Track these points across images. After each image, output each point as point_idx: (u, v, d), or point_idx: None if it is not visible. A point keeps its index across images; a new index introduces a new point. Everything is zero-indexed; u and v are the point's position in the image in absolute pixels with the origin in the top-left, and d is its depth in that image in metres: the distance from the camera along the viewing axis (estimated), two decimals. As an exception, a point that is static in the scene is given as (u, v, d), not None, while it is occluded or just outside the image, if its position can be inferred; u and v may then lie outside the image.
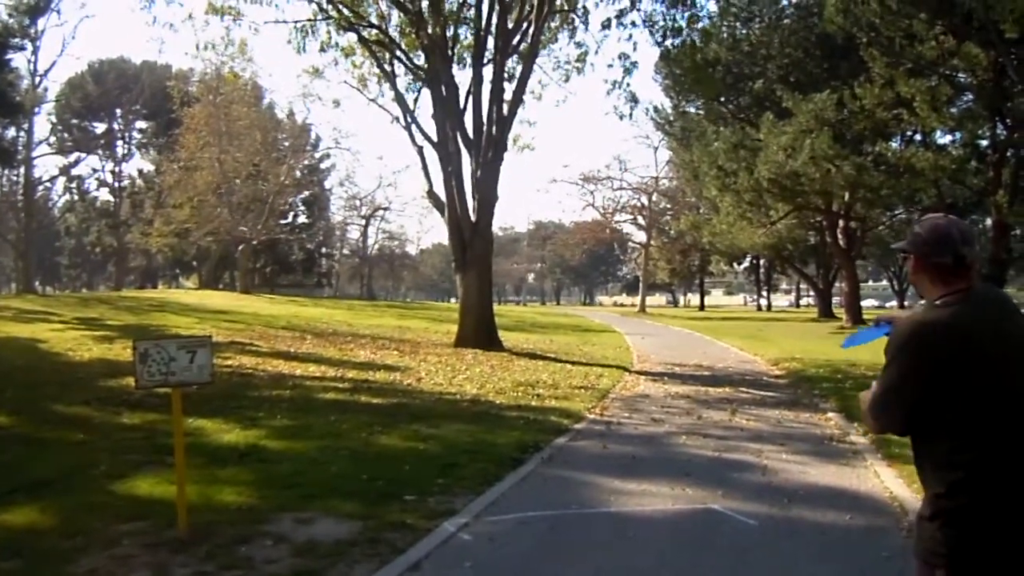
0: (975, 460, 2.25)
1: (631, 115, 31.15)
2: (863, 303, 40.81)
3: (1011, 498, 2.21)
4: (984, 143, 29.87)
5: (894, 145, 32.05)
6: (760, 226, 37.84)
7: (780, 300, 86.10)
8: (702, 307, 67.76)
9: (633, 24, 21.64)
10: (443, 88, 20.14)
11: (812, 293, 61.86)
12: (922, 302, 2.47)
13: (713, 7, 23.80)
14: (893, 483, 6.97)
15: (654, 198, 58.96)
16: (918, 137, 32.18)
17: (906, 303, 74.11)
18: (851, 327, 33.77)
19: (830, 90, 28.73)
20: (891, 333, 2.44)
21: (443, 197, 20.47)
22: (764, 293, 69.33)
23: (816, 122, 28.46)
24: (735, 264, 62.74)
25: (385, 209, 65.01)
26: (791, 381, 15.15)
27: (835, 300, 48.75)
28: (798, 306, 75.70)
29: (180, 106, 41.02)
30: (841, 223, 37.40)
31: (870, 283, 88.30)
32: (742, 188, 32.93)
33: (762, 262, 61.84)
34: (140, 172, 61.59)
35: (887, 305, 75.74)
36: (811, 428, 9.91)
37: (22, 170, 44.74)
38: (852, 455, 8.24)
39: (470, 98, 20.45)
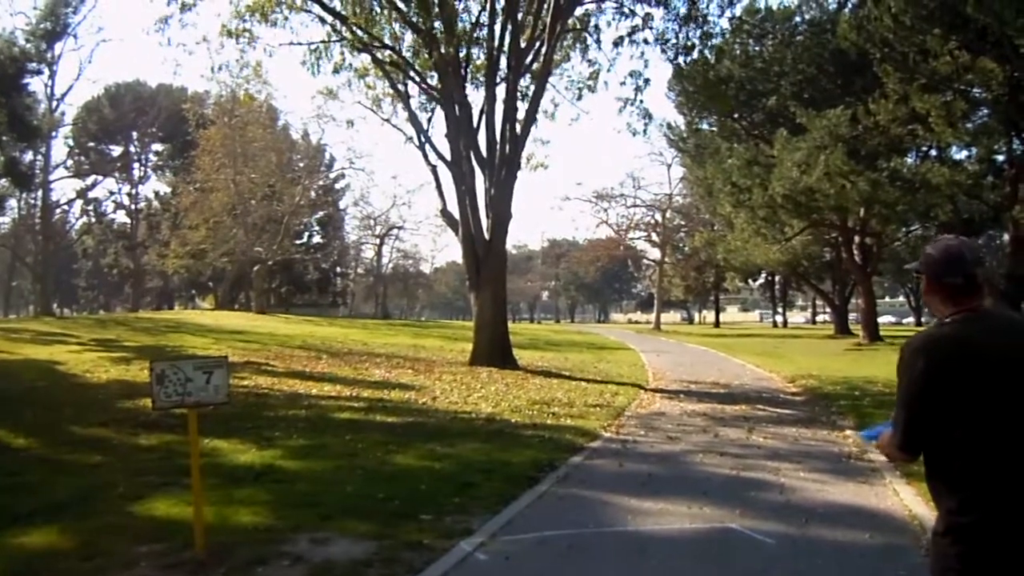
0: (985, 477, 2.27)
1: (644, 132, 31.40)
2: (880, 319, 40.55)
3: (1021, 514, 2.23)
4: (1000, 158, 29.72)
5: (909, 161, 31.92)
6: (775, 242, 37.72)
7: (796, 316, 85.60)
8: (717, 324, 67.46)
9: (645, 42, 21.78)
10: (456, 108, 20.27)
11: (828, 309, 61.52)
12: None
13: (725, 24, 23.89)
14: (912, 501, 6.91)
15: (668, 215, 58.94)
16: (933, 152, 32.05)
17: (923, 319, 73.62)
18: (868, 344, 33.54)
19: (844, 106, 28.69)
20: (902, 348, 2.47)
21: (457, 216, 20.56)
22: (780, 310, 68.99)
23: (830, 138, 28.41)
24: (750, 281, 62.56)
25: (399, 228, 65.28)
26: (808, 398, 15.05)
27: (851, 316, 48.46)
28: (814, 322, 75.24)
29: (196, 128, 41.46)
30: (856, 239, 37.23)
31: (887, 299, 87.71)
32: (756, 204, 32.87)
33: (777, 278, 61.59)
34: (156, 194, 62.20)
35: (904, 321, 75.27)
36: (829, 446, 9.84)
37: (40, 193, 45.27)
38: (870, 473, 8.17)
39: (483, 117, 20.57)
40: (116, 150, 61.81)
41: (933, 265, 2.49)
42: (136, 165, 62.65)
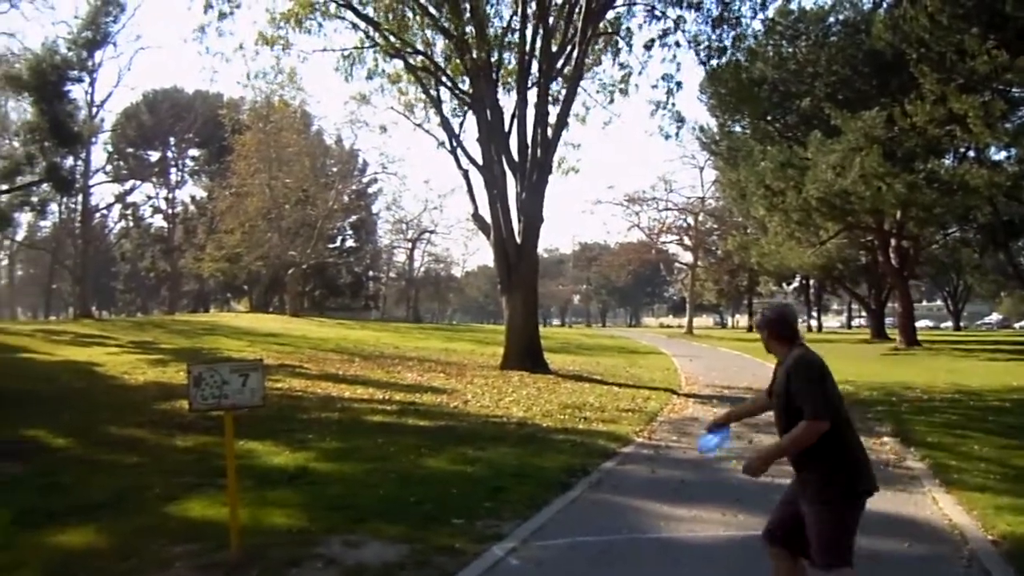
0: (851, 437, 3.93)
1: (677, 135, 31.13)
2: (917, 323, 39.90)
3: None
4: (1041, 158, 29.12)
5: (947, 162, 31.40)
6: (809, 246, 37.29)
7: (831, 321, 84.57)
8: (750, 328, 66.68)
9: (677, 44, 21.75)
10: (488, 112, 20.31)
11: (864, 314, 60.68)
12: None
13: (758, 26, 23.68)
14: (952, 510, 6.77)
15: (700, 218, 58.53)
16: (972, 154, 31.50)
17: (962, 324, 72.35)
18: (905, 348, 33.02)
19: (879, 107, 28.28)
20: (804, 371, 3.97)
21: (488, 219, 20.59)
22: (814, 314, 68.16)
23: (865, 140, 28.01)
24: (784, 284, 61.86)
25: (431, 232, 65.59)
26: (845, 404, 14.82)
27: (888, 321, 47.75)
28: (850, 327, 74.25)
29: (231, 134, 41.93)
30: (893, 242, 36.69)
31: (924, 303, 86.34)
32: (790, 207, 32.50)
33: (812, 282, 60.86)
34: (193, 199, 63.11)
35: (942, 326, 73.99)
36: (865, 452, 9.67)
37: (80, 198, 46.02)
38: (909, 481, 8.02)
39: (515, 121, 20.59)
40: (154, 155, 62.84)
41: (776, 322, 4.20)
42: (173, 170, 63.68)
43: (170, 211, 63.59)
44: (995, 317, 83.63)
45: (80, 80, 26.11)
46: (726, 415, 4.54)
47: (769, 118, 37.30)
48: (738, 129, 40.58)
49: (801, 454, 3.85)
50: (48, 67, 19.53)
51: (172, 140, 61.92)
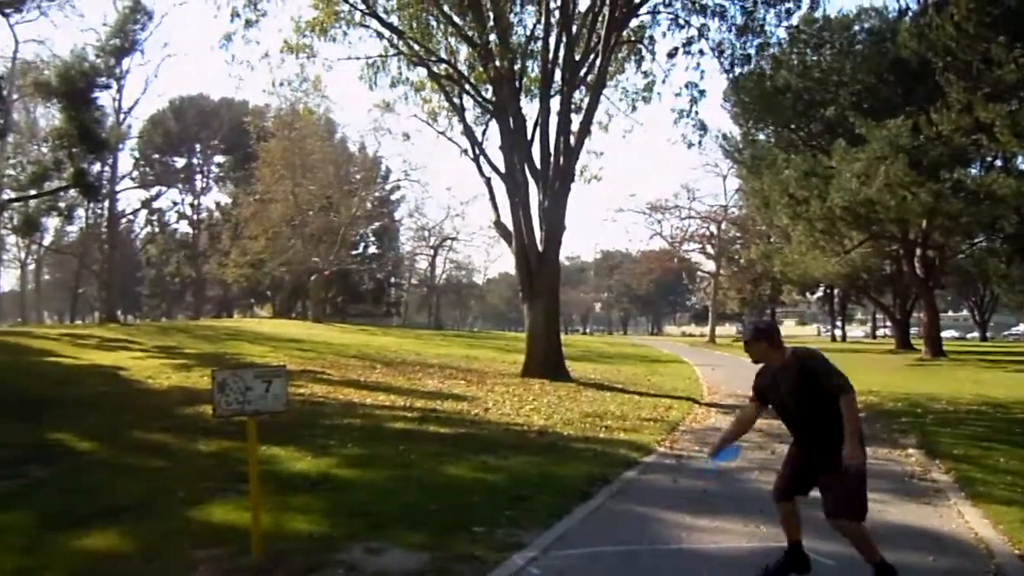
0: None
1: (700, 143, 31.05)
2: (942, 334, 39.43)
3: None
4: (1070, 168, 28.77)
5: (973, 171, 31.08)
6: (833, 255, 37.02)
7: (855, 331, 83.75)
8: (773, 337, 66.18)
9: (701, 53, 21.64)
10: (511, 120, 20.35)
11: (889, 324, 60.06)
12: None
13: (783, 34, 23.55)
14: (978, 523, 6.68)
15: (723, 227, 58.35)
16: (999, 163, 31.15)
17: (988, 334, 71.44)
18: (931, 359, 32.64)
19: (905, 116, 28.06)
20: (820, 360, 4.72)
21: (510, 227, 20.60)
22: (838, 323, 67.58)
23: (891, 149, 27.79)
24: (808, 294, 61.47)
25: (453, 239, 65.70)
26: (868, 415, 14.67)
27: (913, 331, 47.23)
28: (874, 337, 73.52)
29: (256, 141, 42.34)
30: (918, 251, 36.32)
31: (949, 313, 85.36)
32: (814, 216, 32.30)
33: (836, 292, 60.42)
34: (218, 205, 63.68)
35: (968, 336, 73.09)
36: (890, 465, 9.58)
37: (106, 204, 46.53)
38: (934, 494, 7.93)
39: (537, 129, 20.61)
40: (180, 162, 63.56)
41: (774, 332, 4.90)
42: (199, 176, 64.37)
43: (195, 217, 64.24)
44: (1022, 327, 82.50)
45: (108, 87, 26.44)
46: (721, 441, 5.13)
47: (793, 126, 37.12)
48: (762, 137, 40.41)
49: (824, 428, 4.65)
50: (76, 74, 19.77)
51: (198, 147, 62.60)
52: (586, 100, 21.18)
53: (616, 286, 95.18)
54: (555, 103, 20.71)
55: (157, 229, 66.31)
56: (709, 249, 59.46)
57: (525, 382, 18.42)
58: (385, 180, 56.84)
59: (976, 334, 71.37)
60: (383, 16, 20.71)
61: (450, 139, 23.76)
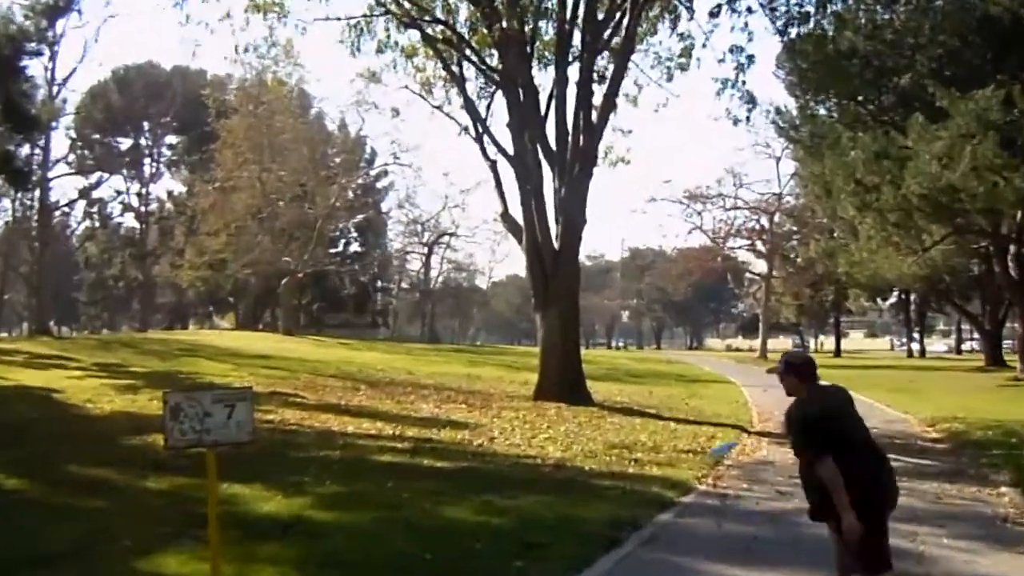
0: None
1: (748, 120, 30.68)
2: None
3: None
4: None
5: (1079, 152, 30.94)
6: (910, 253, 36.87)
7: (936, 344, 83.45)
8: (838, 352, 66.16)
9: (749, 10, 21.61)
10: (520, 92, 20.38)
11: (976, 336, 59.81)
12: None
13: (848, -14, 23.58)
14: (1087, 578, 6.65)
15: (776, 219, 58.20)
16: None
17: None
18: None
19: (995, 86, 27.94)
20: (790, 414, 5.31)
21: (521, 220, 20.64)
22: (916, 336, 67.33)
23: (978, 125, 27.67)
24: (879, 300, 61.38)
25: (451, 235, 65.84)
26: (952, 446, 14.64)
27: (1006, 344, 47.03)
28: (959, 352, 73.23)
29: (216, 118, 42.48)
30: (1012, 248, 36.17)
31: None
32: (886, 207, 32.17)
33: (913, 297, 60.21)
34: (170, 194, 64.00)
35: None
36: (979, 506, 9.54)
37: (36, 193, 46.60)
38: (1033, 541, 7.89)
39: (552, 103, 20.63)
40: (124, 143, 63.72)
41: (802, 365, 5.49)
42: (147, 160, 64.52)
43: (143, 209, 64.40)
44: None
45: (39, 54, 26.47)
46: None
47: (860, 98, 37.00)
48: (823, 112, 40.28)
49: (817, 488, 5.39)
50: (1, 38, 19.89)
51: (146, 125, 62.81)
52: (611, 68, 21.22)
53: (647, 291, 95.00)
54: (573, 72, 20.79)
55: (97, 223, 66.54)
56: (759, 246, 59.30)
57: (538, 406, 18.42)
58: (370, 164, 57.01)
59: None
60: (367, -34, 20.82)
61: (448, 115, 23.87)
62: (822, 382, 5.49)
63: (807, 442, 5.12)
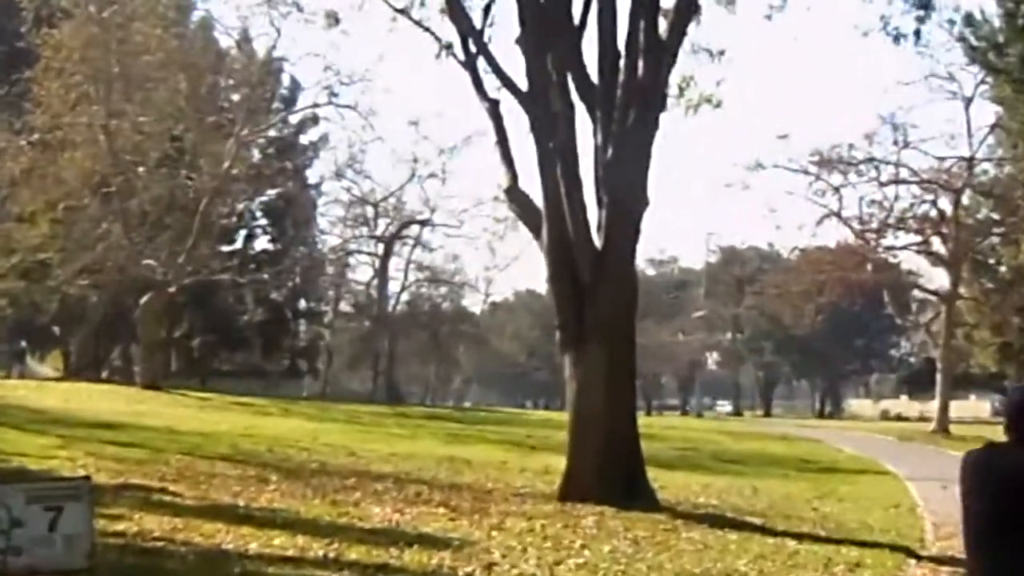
0: None
1: (917, 36, 30.80)
2: None
3: None
4: None
5: None
6: None
7: None
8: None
9: None
10: (540, -12, 20.45)
11: None
12: None
13: None
14: None
15: (966, 200, 58.13)
16: None
17: None
18: None
19: None
20: None
21: (539, 200, 20.62)
22: None
23: None
24: None
25: (423, 224, 65.85)
26: None
27: None
28: None
29: (34, 27, 42.48)
30: None
31: None
32: None
33: None
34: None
35: None
36: None
37: None
38: None
39: (592, 4, 20.66)
40: None
41: None
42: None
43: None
44: None
45: None
46: None
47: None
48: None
49: None
50: None
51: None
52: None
53: (749, 319, 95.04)
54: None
55: None
56: (936, 245, 59.33)
57: (567, 511, 18.39)
58: (289, 106, 57.13)
59: None
60: None
61: (420, 24, 23.93)
62: None
63: None
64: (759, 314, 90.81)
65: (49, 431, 24.42)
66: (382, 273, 70.69)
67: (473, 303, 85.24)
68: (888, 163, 58.69)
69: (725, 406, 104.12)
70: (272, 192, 59.11)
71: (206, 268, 48.56)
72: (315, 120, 59.19)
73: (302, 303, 72.68)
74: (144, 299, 44.69)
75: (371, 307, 73.40)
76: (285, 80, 55.60)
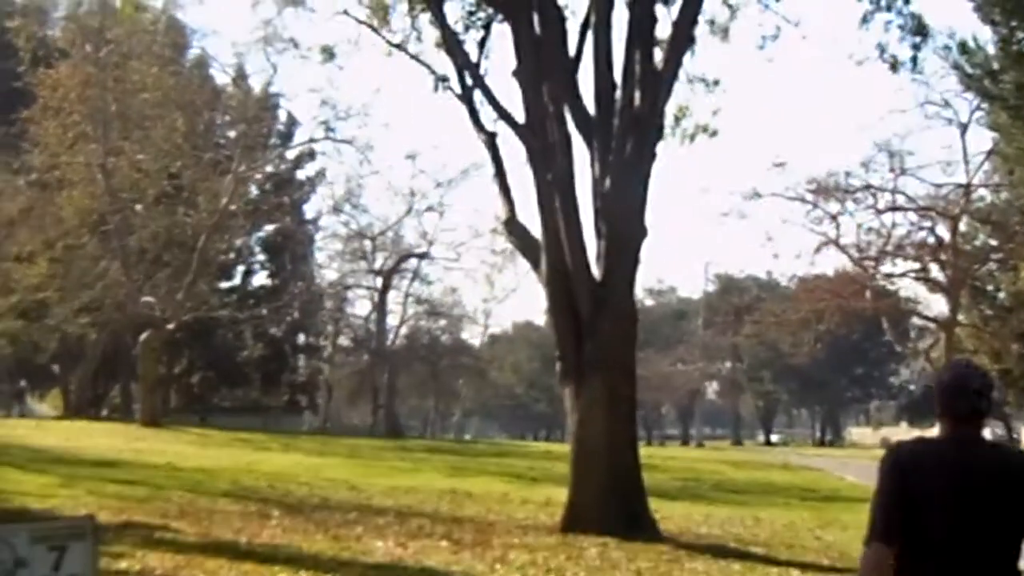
0: None
1: (913, 63, 30.84)
2: None
3: None
4: None
5: None
6: None
7: None
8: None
9: None
10: (536, 21, 20.47)
11: None
12: None
13: None
14: None
15: (963, 226, 58.21)
16: None
17: None
18: None
19: None
20: None
21: (537, 232, 20.63)
22: None
23: None
24: None
25: (421, 257, 65.88)
26: None
27: None
28: None
29: (31, 67, 42.55)
30: None
31: None
32: None
33: None
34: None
35: None
36: None
37: None
38: None
39: (589, 34, 20.70)
40: None
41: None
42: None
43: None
44: None
45: None
46: None
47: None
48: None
49: None
50: None
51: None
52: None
53: (748, 348, 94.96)
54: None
55: None
56: (935, 271, 59.37)
57: (568, 542, 18.35)
58: (286, 142, 57.15)
59: None
60: None
61: (414, 58, 23.96)
62: None
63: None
64: (758, 343, 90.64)
65: (50, 470, 24.39)
66: (380, 307, 70.63)
67: (472, 336, 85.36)
68: (885, 190, 58.86)
69: (724, 435, 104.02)
70: (270, 227, 59.23)
71: (205, 304, 48.60)
72: (312, 155, 59.35)
73: (301, 338, 72.72)
74: (143, 336, 44.64)
75: (370, 341, 73.34)
76: (282, 116, 55.81)
